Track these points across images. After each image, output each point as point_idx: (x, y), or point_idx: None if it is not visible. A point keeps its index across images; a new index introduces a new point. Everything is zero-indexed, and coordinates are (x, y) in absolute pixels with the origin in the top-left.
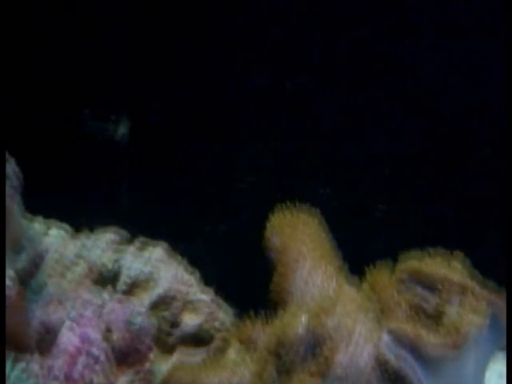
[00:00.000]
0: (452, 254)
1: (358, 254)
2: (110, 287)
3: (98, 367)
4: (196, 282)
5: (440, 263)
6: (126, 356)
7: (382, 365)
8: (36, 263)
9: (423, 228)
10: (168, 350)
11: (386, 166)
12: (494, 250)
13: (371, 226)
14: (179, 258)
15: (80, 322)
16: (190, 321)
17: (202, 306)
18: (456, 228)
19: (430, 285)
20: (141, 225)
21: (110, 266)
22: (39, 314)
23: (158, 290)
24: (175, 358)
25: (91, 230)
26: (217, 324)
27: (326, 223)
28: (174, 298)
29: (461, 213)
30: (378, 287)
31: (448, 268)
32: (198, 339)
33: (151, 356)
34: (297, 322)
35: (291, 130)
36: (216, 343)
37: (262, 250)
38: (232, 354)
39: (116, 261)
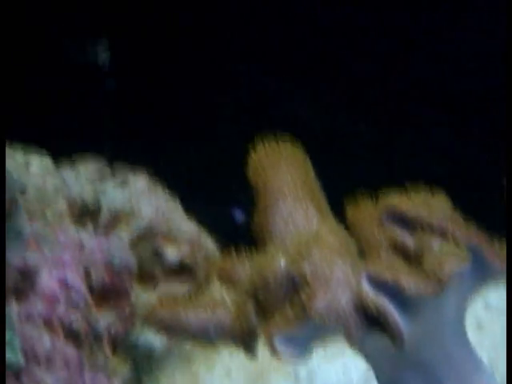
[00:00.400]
0: (434, 191)
1: (340, 184)
2: (90, 224)
3: (77, 312)
4: (178, 215)
5: (422, 202)
6: (107, 296)
7: (360, 310)
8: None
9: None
10: (151, 283)
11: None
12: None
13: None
14: (161, 188)
15: (58, 265)
16: (173, 254)
17: (184, 239)
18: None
19: (410, 226)
20: (124, 151)
21: (90, 201)
22: (15, 258)
23: (140, 223)
24: (158, 292)
25: (72, 161)
26: (200, 256)
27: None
28: (155, 231)
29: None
30: (359, 225)
31: (429, 209)
32: (181, 272)
33: (132, 295)
34: (275, 266)
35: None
36: (198, 277)
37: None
38: (213, 291)
39: (96, 196)
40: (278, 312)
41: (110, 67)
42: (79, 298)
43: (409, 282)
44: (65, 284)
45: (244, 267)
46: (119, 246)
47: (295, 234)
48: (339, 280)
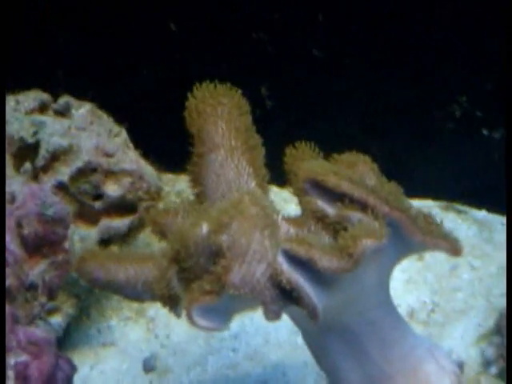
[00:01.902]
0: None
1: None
2: (27, 164)
3: (8, 270)
4: (120, 149)
5: (344, 171)
6: (40, 248)
7: (275, 283)
8: None
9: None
10: (92, 222)
11: None
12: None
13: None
14: (105, 118)
15: None
16: (113, 192)
17: (124, 176)
18: None
19: (330, 198)
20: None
21: (28, 139)
22: None
23: (78, 162)
24: (99, 228)
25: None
26: (140, 193)
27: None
28: (94, 169)
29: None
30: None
31: (350, 180)
32: (122, 209)
33: (66, 245)
34: (197, 233)
35: None
36: (139, 212)
37: None
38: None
39: (35, 133)
40: (197, 282)
41: None
42: (9, 255)
43: (321, 258)
44: None
45: (177, 224)
46: (52, 197)
47: (225, 189)
48: (255, 253)
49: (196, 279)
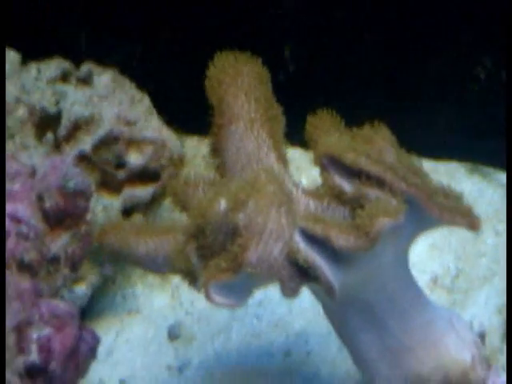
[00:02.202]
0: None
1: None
2: (49, 135)
3: (27, 244)
4: (142, 117)
5: (363, 147)
6: (62, 220)
7: (292, 261)
8: None
9: None
10: (115, 191)
11: None
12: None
13: None
14: (127, 85)
15: (8, 198)
16: (135, 160)
17: (146, 144)
18: None
19: (349, 173)
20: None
21: (50, 109)
22: None
23: (100, 131)
24: (122, 197)
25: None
26: (163, 161)
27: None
28: (117, 138)
29: None
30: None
31: (368, 156)
32: (145, 177)
33: (88, 217)
34: (215, 210)
35: None
36: (162, 180)
37: None
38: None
39: (57, 102)
40: (215, 259)
41: None
42: (30, 230)
43: (338, 237)
44: (15, 217)
45: (197, 196)
46: (72, 169)
47: (245, 162)
48: (272, 232)
49: (215, 256)
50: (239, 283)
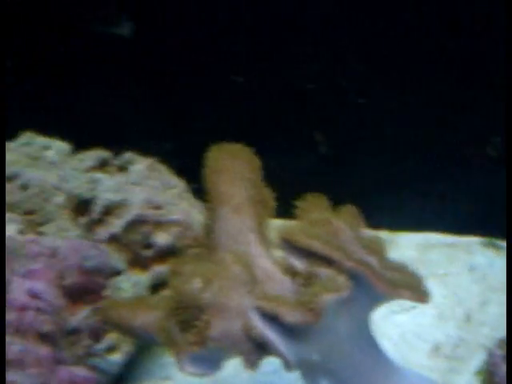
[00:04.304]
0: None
1: None
2: (81, 218)
3: (46, 317)
4: (170, 201)
5: (316, 230)
6: (82, 296)
7: (250, 336)
8: None
9: None
10: (144, 268)
11: None
12: None
13: None
14: (164, 172)
15: (29, 276)
16: (162, 240)
17: (172, 226)
18: None
19: (304, 255)
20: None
21: (85, 195)
22: None
23: (129, 216)
24: (150, 274)
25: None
26: (188, 241)
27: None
28: (144, 221)
29: None
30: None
31: (318, 238)
32: (172, 255)
33: (106, 293)
34: (188, 289)
35: None
36: None
37: None
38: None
39: (92, 190)
40: (184, 335)
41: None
42: (48, 304)
43: (286, 313)
44: (34, 293)
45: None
46: (92, 251)
47: (228, 244)
48: (233, 310)
49: (189, 330)
50: (209, 355)
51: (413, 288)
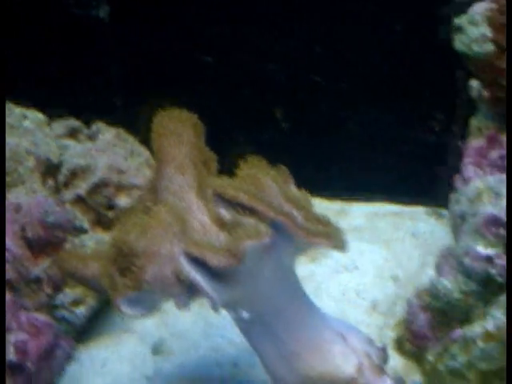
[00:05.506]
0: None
1: None
2: (50, 181)
3: (8, 266)
4: (133, 167)
5: (244, 185)
6: (44, 248)
7: (180, 279)
8: None
9: None
10: (107, 228)
11: None
12: None
13: None
14: (130, 141)
15: None
16: (124, 202)
17: (133, 190)
18: None
19: (231, 205)
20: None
21: (54, 159)
22: None
23: (93, 178)
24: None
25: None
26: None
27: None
28: (107, 184)
29: None
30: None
31: (244, 191)
32: None
33: (66, 246)
34: (126, 239)
35: None
36: None
37: None
38: None
39: (60, 155)
40: (122, 279)
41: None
42: (10, 255)
43: (211, 257)
44: None
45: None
46: (53, 207)
47: (169, 199)
48: (165, 257)
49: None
50: (144, 297)
51: (330, 237)
